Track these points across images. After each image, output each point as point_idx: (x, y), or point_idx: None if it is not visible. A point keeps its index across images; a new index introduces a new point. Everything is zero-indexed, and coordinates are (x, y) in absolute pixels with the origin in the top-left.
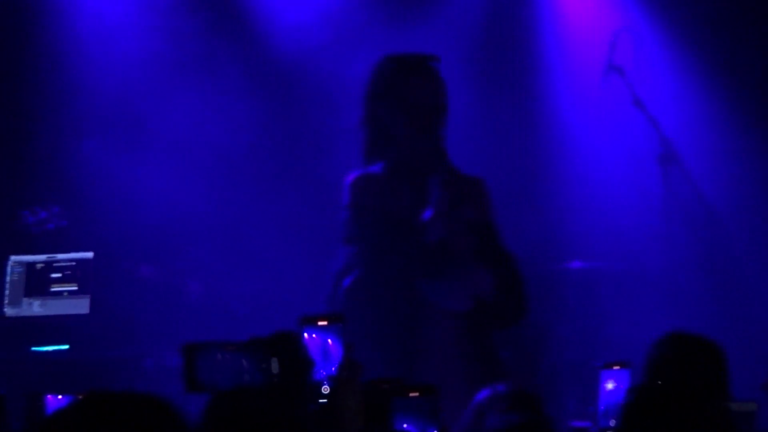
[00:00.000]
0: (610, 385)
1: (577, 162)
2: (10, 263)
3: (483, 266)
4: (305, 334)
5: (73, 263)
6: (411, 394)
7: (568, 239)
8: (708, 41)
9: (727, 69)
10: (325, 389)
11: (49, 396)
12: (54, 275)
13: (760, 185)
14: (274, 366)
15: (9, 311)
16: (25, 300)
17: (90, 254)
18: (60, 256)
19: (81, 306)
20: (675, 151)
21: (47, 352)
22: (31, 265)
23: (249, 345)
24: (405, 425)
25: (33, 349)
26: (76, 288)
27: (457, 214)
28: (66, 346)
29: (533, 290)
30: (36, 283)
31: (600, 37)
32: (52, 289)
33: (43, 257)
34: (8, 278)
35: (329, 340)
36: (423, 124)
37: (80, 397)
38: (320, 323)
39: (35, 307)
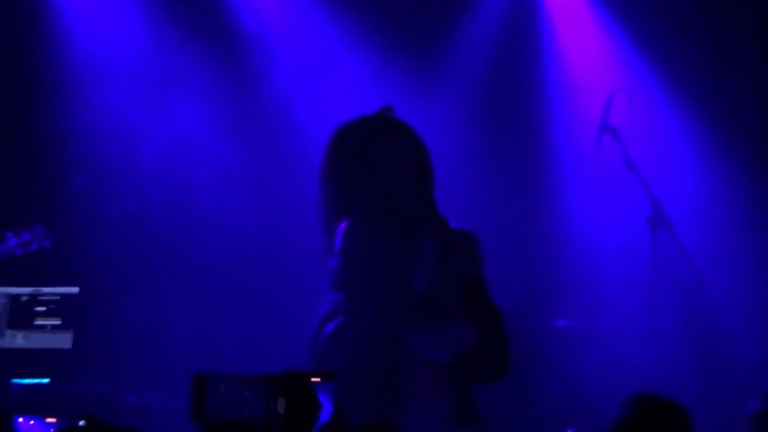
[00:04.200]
0: None
1: (569, 220)
2: None
3: (468, 319)
4: None
5: (58, 297)
6: None
7: (554, 296)
8: (704, 105)
9: (721, 136)
10: None
11: (19, 418)
12: (38, 308)
13: (747, 251)
14: (281, 406)
15: None
16: (9, 332)
17: (75, 289)
18: (45, 289)
19: (64, 341)
20: (665, 214)
21: (27, 384)
22: (15, 297)
23: (258, 381)
24: None
25: (13, 381)
26: (59, 322)
27: (446, 266)
28: (47, 380)
29: (517, 346)
30: (20, 315)
31: (600, 96)
32: (36, 323)
33: (28, 290)
34: None
35: None
36: (416, 180)
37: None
38: (314, 380)
39: (18, 340)
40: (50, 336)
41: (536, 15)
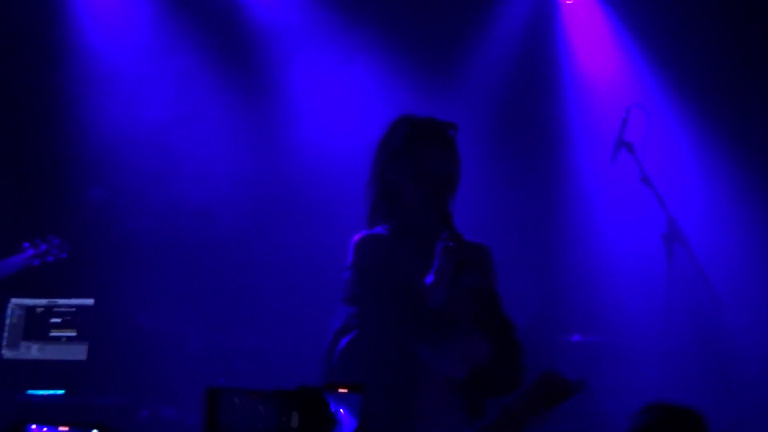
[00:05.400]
0: None
1: (584, 235)
2: (10, 306)
3: (482, 334)
4: None
5: (73, 309)
6: None
7: (569, 312)
8: (720, 122)
9: (737, 154)
10: None
11: (31, 425)
12: (53, 320)
13: (762, 270)
14: (294, 420)
15: (6, 353)
16: (24, 343)
17: (90, 301)
18: (60, 301)
19: (79, 352)
20: (680, 231)
21: (42, 396)
22: (31, 309)
23: (272, 396)
24: None
25: (29, 392)
26: (74, 334)
27: (460, 281)
28: (61, 392)
29: (532, 361)
30: (35, 326)
31: (616, 112)
32: (51, 334)
33: (43, 301)
34: (8, 321)
35: (341, 410)
36: (434, 193)
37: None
38: (341, 391)
39: (33, 351)
40: (65, 348)
41: (553, 31)
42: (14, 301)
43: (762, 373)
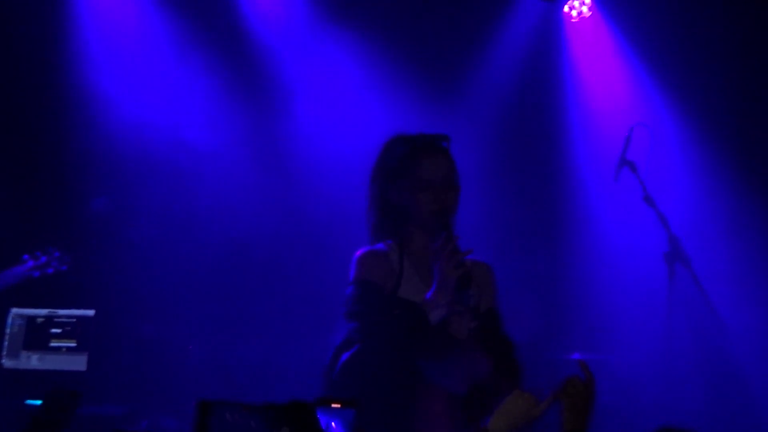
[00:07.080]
0: None
1: (585, 253)
2: (11, 315)
3: (482, 351)
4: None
5: (74, 320)
6: None
7: (569, 329)
8: (723, 141)
9: (741, 173)
10: None
11: None
12: (54, 330)
13: (764, 287)
14: None
15: (7, 363)
16: (24, 353)
17: (91, 312)
18: (61, 311)
19: (78, 363)
20: (682, 250)
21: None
22: (31, 319)
23: (263, 410)
24: None
25: (28, 402)
26: (75, 344)
27: (461, 297)
28: None
29: (532, 379)
30: (35, 336)
31: (619, 131)
32: (51, 344)
33: (44, 311)
34: (8, 330)
35: (333, 423)
36: (438, 202)
37: None
38: (334, 406)
39: (33, 361)
40: (65, 358)
41: (558, 48)
42: (15, 310)
43: (763, 393)
